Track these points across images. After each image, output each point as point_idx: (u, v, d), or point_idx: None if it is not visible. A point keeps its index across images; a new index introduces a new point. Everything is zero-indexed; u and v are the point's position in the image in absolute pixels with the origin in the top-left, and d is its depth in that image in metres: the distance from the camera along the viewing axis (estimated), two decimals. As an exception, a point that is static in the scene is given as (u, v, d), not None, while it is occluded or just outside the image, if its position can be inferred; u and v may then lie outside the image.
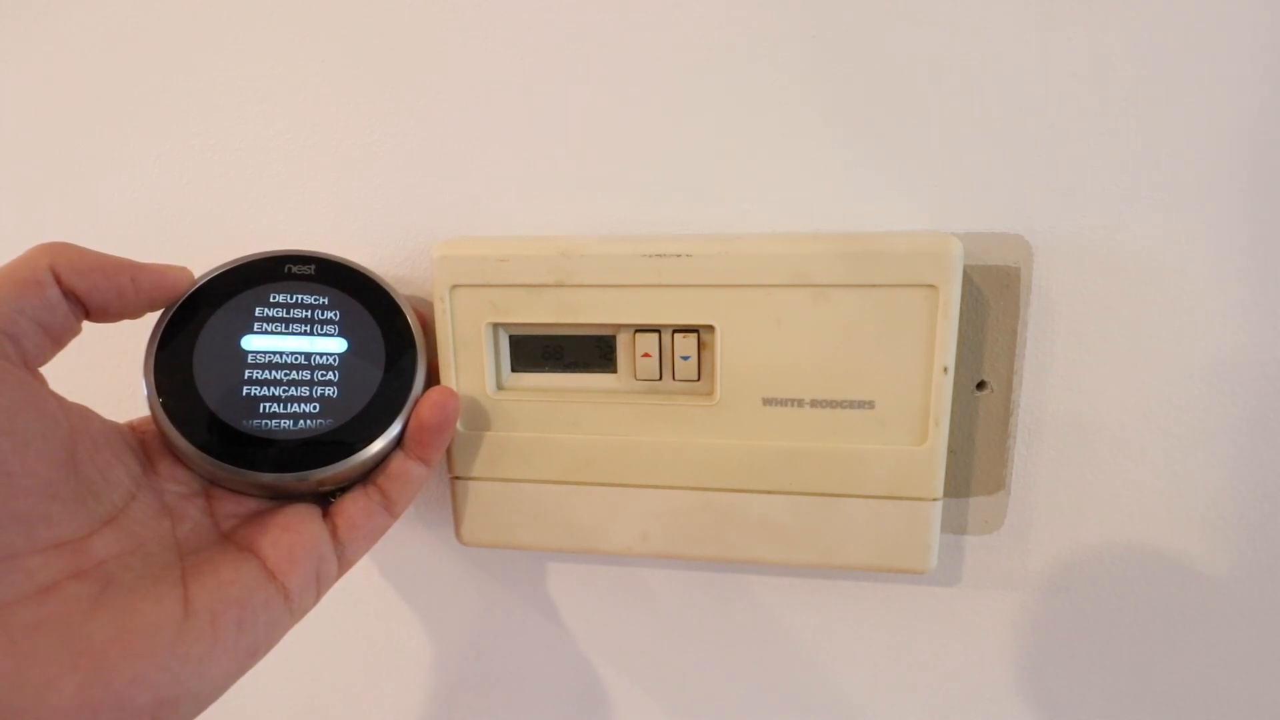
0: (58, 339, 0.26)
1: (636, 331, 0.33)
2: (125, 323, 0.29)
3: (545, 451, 0.34)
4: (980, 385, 0.33)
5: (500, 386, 0.34)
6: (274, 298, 0.30)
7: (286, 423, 0.29)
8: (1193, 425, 0.32)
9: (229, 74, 0.35)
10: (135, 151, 0.36)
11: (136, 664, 0.22)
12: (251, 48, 0.34)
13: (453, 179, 0.34)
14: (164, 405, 0.28)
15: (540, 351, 0.34)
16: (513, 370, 0.34)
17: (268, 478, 0.29)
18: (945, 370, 0.30)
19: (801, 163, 0.32)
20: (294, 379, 0.30)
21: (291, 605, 0.27)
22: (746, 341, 0.31)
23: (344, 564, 0.30)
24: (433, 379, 0.33)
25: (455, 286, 0.33)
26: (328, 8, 0.33)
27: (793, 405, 0.32)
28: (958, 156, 0.31)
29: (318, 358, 0.30)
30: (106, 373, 0.39)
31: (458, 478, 0.35)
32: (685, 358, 0.32)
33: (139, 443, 0.29)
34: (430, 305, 0.33)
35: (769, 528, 0.33)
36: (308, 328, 0.30)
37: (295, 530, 0.28)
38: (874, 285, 0.30)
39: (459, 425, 0.34)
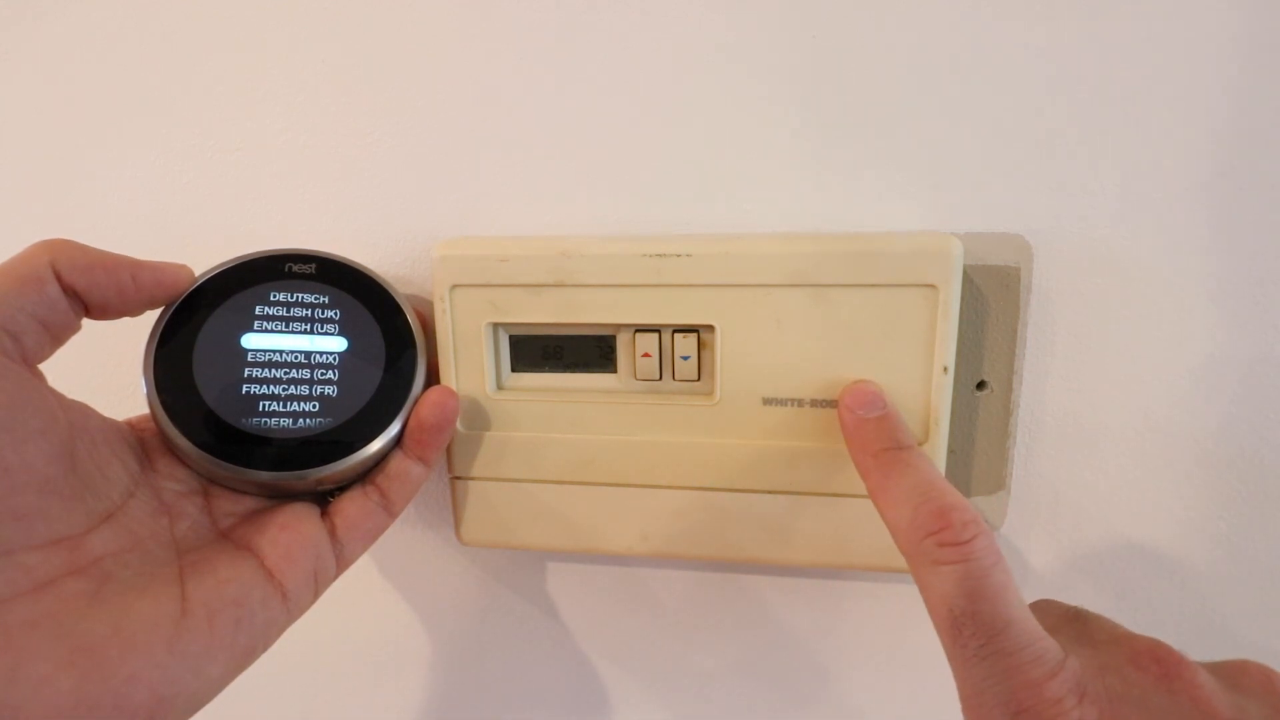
0: (58, 336, 0.26)
1: (636, 331, 0.33)
2: (125, 320, 0.28)
3: (545, 451, 0.34)
4: (980, 385, 0.33)
5: (500, 386, 0.34)
6: (274, 296, 0.30)
7: (286, 421, 0.29)
8: (1192, 425, 0.32)
9: (229, 74, 0.35)
10: (135, 151, 0.36)
11: (133, 661, 0.22)
12: (252, 48, 0.34)
13: (453, 179, 0.34)
14: (163, 403, 0.28)
15: (540, 351, 0.34)
16: (513, 370, 0.34)
17: (266, 476, 0.29)
18: (945, 370, 0.30)
19: (801, 163, 0.32)
20: (293, 378, 0.30)
21: (289, 604, 0.27)
22: (746, 341, 0.31)
23: (342, 563, 0.29)
24: (433, 379, 0.33)
25: (455, 286, 0.33)
26: (328, 8, 0.33)
27: (793, 405, 0.32)
28: (958, 156, 0.31)
29: (317, 356, 0.30)
30: (106, 371, 0.39)
31: (458, 478, 0.35)
32: (685, 358, 0.32)
33: (138, 440, 0.29)
34: (430, 305, 0.33)
35: (769, 528, 0.33)
36: (308, 327, 0.30)
37: (293, 529, 0.28)
38: (874, 285, 0.30)
39: (459, 425, 0.34)
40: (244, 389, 0.29)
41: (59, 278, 0.25)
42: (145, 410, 0.29)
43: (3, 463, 0.22)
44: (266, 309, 0.30)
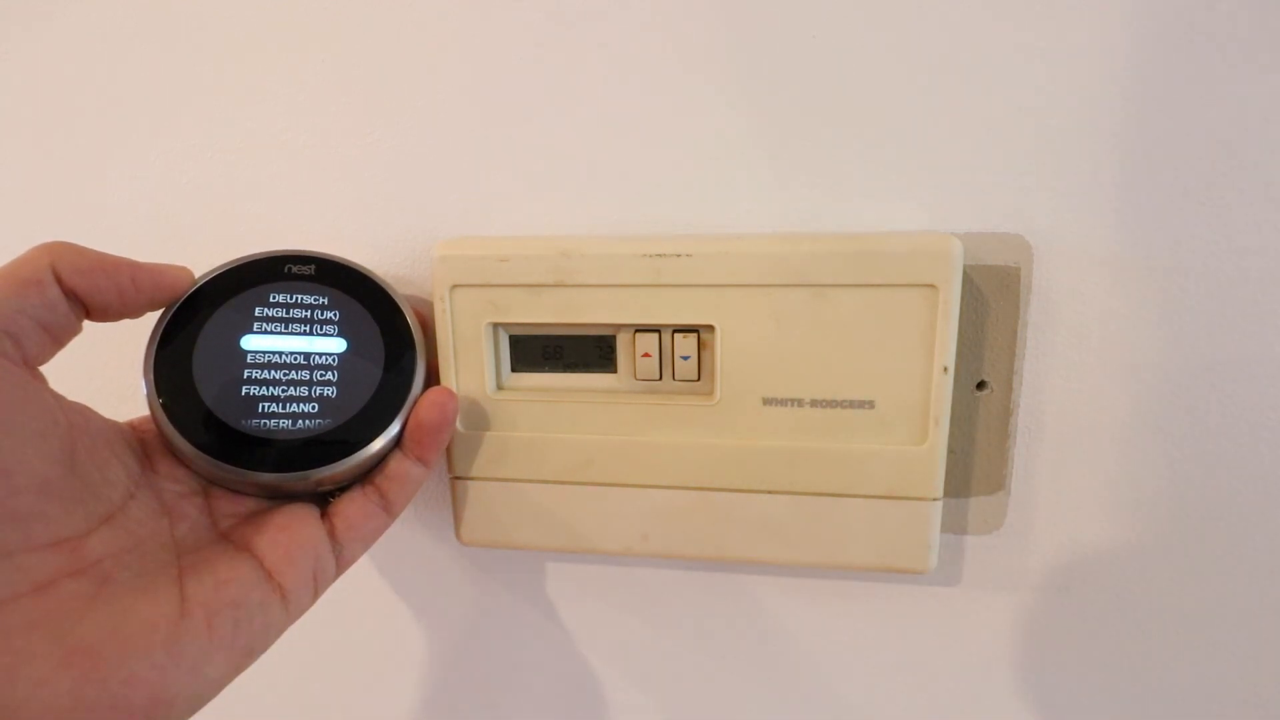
0: (58, 338, 0.26)
1: (636, 331, 0.33)
2: (125, 322, 0.29)
3: (545, 451, 0.34)
4: (980, 385, 0.33)
5: (500, 386, 0.34)
6: (274, 298, 0.30)
7: (285, 422, 0.29)
8: (1192, 425, 0.32)
9: (229, 74, 0.35)
10: (135, 151, 0.36)
11: (132, 663, 0.22)
12: (252, 48, 0.34)
13: (453, 179, 0.34)
14: (163, 405, 0.28)
15: (540, 351, 0.34)
16: (513, 370, 0.34)
17: (266, 478, 0.29)
18: (945, 370, 0.30)
19: (801, 163, 0.32)
20: (293, 379, 0.30)
21: (288, 605, 0.27)
22: (746, 341, 0.31)
23: (342, 564, 0.30)
24: (432, 379, 0.33)
25: (455, 286, 0.33)
26: (328, 8, 0.33)
27: (793, 405, 0.32)
28: (958, 156, 0.31)
29: (317, 358, 0.30)
30: (106, 372, 0.39)
31: (457, 478, 0.35)
32: (685, 358, 0.32)
33: (138, 442, 0.29)
34: (430, 305, 0.33)
35: (769, 528, 0.33)
36: (307, 328, 0.30)
37: (293, 530, 0.28)
38: (874, 285, 0.30)
39: (459, 425, 0.34)
40: (244, 390, 0.29)
41: (59, 280, 0.25)
42: (145, 412, 0.29)
43: (3, 465, 0.22)
44: (266, 310, 0.30)
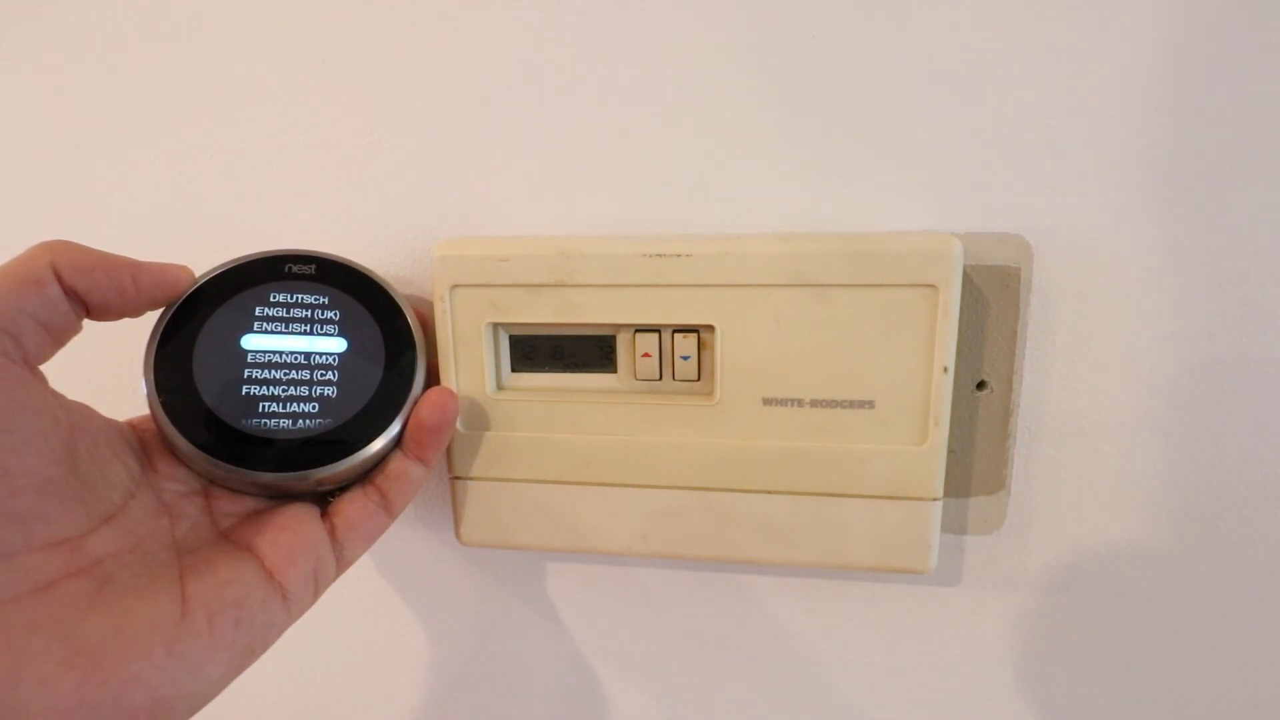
0: (58, 337, 0.26)
1: (636, 331, 0.33)
2: (125, 321, 0.29)
3: (545, 451, 0.34)
4: (980, 385, 0.33)
5: (500, 386, 0.34)
6: (274, 297, 0.30)
7: (286, 422, 0.29)
8: (1192, 425, 0.32)
9: (229, 74, 0.35)
10: (136, 151, 0.36)
11: (133, 663, 0.22)
12: (252, 48, 0.34)
13: (452, 179, 0.34)
14: (164, 404, 0.28)
15: (540, 351, 0.34)
16: (513, 370, 0.34)
17: (266, 477, 0.29)
18: (945, 370, 0.30)
19: (801, 163, 0.32)
20: (293, 378, 0.30)
21: (289, 605, 0.27)
22: (746, 341, 0.31)
23: (342, 564, 0.30)
24: (432, 379, 0.33)
25: (455, 286, 0.33)
26: (328, 8, 0.33)
27: (792, 405, 0.32)
28: (958, 156, 0.31)
29: (317, 357, 0.30)
30: (106, 371, 0.39)
31: (457, 478, 0.35)
32: (685, 358, 0.32)
33: (139, 441, 0.29)
34: (430, 305, 0.33)
35: (769, 528, 0.33)
36: (307, 327, 0.30)
37: (293, 530, 0.28)
38: (874, 285, 0.30)
39: (459, 425, 0.34)
40: (244, 390, 0.29)
41: (60, 279, 0.25)
42: (145, 411, 0.29)
43: (3, 465, 0.22)
44: (266, 310, 0.30)
